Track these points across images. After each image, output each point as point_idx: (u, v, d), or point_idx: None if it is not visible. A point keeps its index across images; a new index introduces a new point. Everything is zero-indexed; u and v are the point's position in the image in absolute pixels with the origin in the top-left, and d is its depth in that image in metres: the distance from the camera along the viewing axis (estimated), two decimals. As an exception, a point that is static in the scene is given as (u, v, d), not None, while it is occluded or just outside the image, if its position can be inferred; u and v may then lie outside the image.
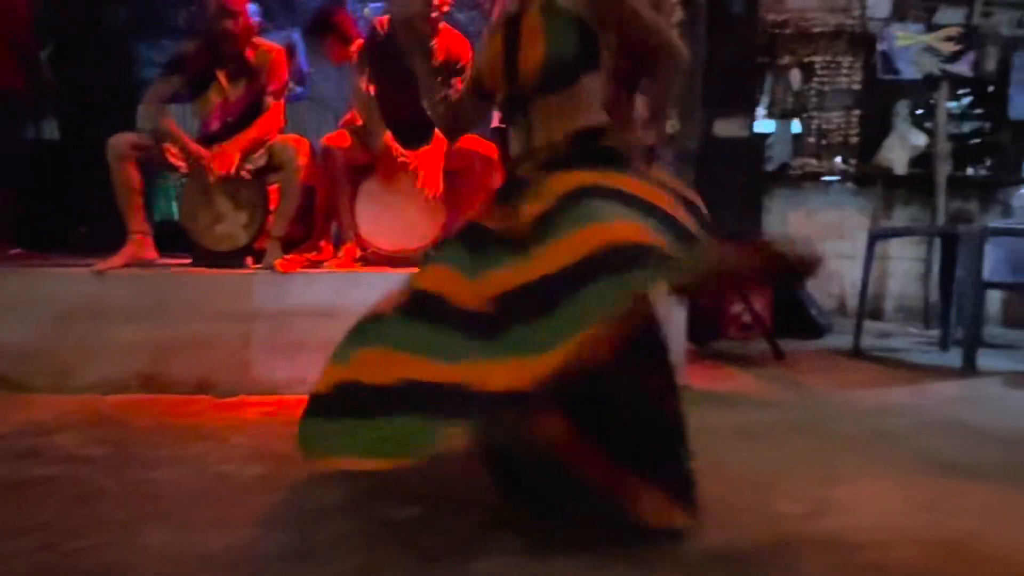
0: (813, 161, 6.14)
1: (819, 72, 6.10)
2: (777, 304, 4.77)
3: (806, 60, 6.10)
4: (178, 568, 1.57)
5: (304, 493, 2.00)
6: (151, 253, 3.43)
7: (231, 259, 3.43)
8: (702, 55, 3.26)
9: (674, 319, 3.24)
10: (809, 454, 2.43)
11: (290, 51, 4.42)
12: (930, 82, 6.00)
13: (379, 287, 3.17)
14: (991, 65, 5.89)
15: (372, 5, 6.38)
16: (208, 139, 3.48)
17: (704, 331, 4.47)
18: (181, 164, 3.43)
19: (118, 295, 3.23)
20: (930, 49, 5.88)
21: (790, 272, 1.66)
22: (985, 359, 4.07)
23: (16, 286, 3.27)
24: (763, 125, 6.11)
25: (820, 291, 5.98)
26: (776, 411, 3.01)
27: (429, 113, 2.17)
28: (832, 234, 6.23)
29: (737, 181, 5.11)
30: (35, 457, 2.28)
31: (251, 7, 4.18)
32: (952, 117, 6.11)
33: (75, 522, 1.79)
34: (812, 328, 5.15)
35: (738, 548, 1.69)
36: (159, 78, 3.50)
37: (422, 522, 1.81)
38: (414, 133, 3.54)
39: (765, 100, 6.14)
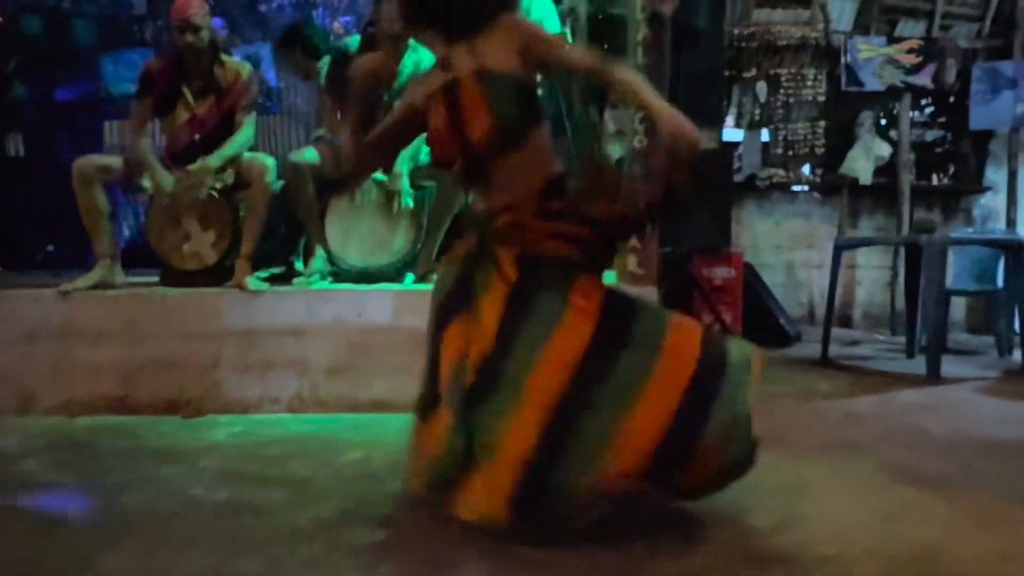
0: (780, 171, 6.23)
1: (785, 84, 6.20)
2: (746, 313, 4.83)
3: (772, 72, 6.20)
4: (144, 598, 1.57)
5: (272, 517, 2.00)
6: (119, 276, 3.40)
7: (199, 278, 3.41)
8: (668, 71, 3.29)
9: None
10: (776, 466, 2.46)
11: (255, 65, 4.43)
12: (893, 93, 6.12)
13: (350, 304, 3.21)
14: (951, 77, 6.02)
15: (343, 19, 6.38)
16: (177, 156, 3.46)
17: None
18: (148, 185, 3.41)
19: (85, 315, 3.19)
20: (892, 61, 5.99)
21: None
22: (949, 366, 4.15)
23: (-21, 307, 3.22)
24: (732, 134, 6.20)
25: (789, 299, 6.06)
26: (745, 423, 3.03)
27: (346, 155, 2.14)
28: (800, 243, 6.32)
29: (706, 192, 5.16)
30: (-1, 485, 2.25)
31: (217, 21, 4.17)
32: (914, 127, 6.23)
33: (35, 553, 1.77)
34: (781, 336, 5.22)
35: (707, 564, 1.72)
36: (135, 102, 3.48)
37: (388, 547, 1.81)
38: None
39: (733, 112, 6.22)
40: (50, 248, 5.13)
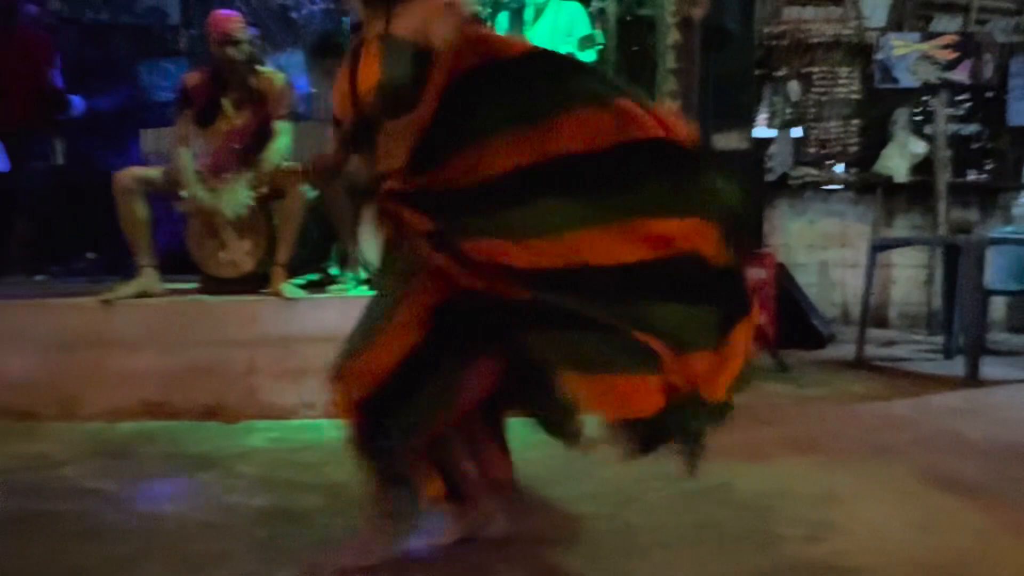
0: (813, 170, 6.16)
1: (817, 82, 6.13)
2: (779, 314, 4.79)
3: (804, 71, 6.13)
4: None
5: (308, 523, 2.03)
6: (159, 285, 3.47)
7: (236, 286, 3.46)
8: (698, 74, 3.27)
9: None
10: (808, 473, 2.45)
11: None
12: (928, 90, 6.02)
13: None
14: (988, 72, 5.90)
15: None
16: (217, 167, 3.51)
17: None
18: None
19: (126, 323, 3.27)
20: (927, 57, 5.89)
21: None
22: (988, 367, 4.08)
23: (22, 315, 3.31)
24: (764, 134, 6.14)
25: (822, 300, 5.99)
26: (778, 428, 3.02)
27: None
28: (834, 242, 6.24)
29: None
30: (40, 492, 2.32)
31: (251, 30, 4.22)
32: (950, 123, 6.12)
33: (75, 560, 1.82)
34: (814, 337, 5.16)
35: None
36: (176, 117, 3.55)
37: (424, 556, 1.84)
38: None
39: (764, 111, 6.17)
40: (90, 256, 5.24)
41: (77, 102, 5.18)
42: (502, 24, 4.25)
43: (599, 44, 3.98)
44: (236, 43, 3.42)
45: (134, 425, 3.12)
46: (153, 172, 3.48)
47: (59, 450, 2.76)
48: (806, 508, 2.12)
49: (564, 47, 4.00)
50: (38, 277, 4.58)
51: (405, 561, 1.79)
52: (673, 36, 3.17)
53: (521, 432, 2.87)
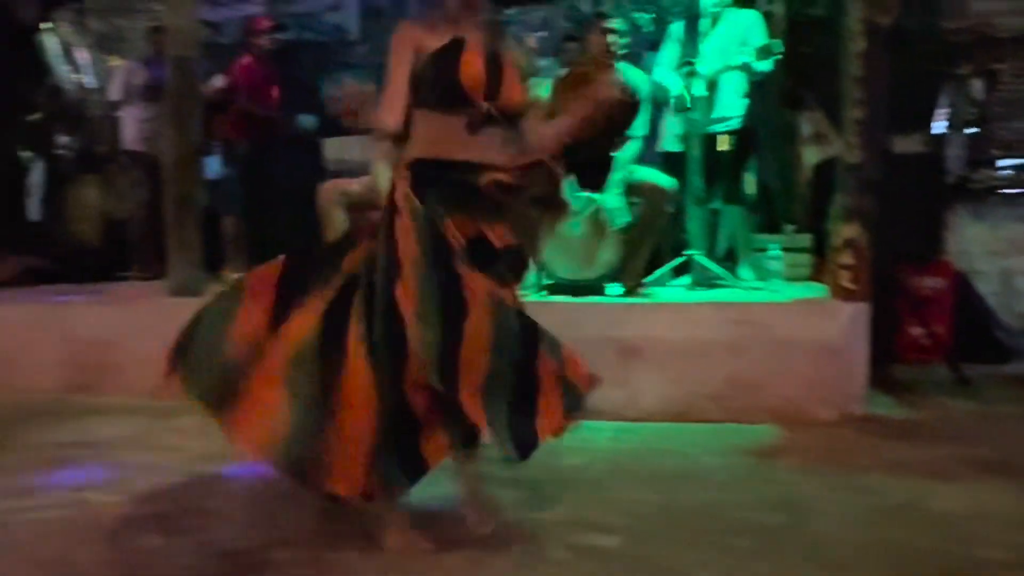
0: (996, 173, 5.80)
1: (1004, 80, 5.76)
2: (959, 325, 4.58)
3: (989, 68, 5.78)
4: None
5: (507, 515, 2.20)
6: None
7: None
8: (885, 82, 3.21)
9: (855, 343, 3.22)
10: (1003, 495, 2.39)
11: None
12: None
13: (562, 316, 3.39)
14: None
15: (536, 34, 6.63)
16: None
17: (880, 354, 4.36)
18: None
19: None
20: None
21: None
22: None
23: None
24: (943, 136, 5.85)
25: (1005, 310, 5.64)
26: (963, 446, 2.93)
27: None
28: (1018, 249, 5.85)
29: (916, 197, 4.94)
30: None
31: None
32: None
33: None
34: (998, 351, 4.89)
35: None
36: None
37: (620, 553, 1.96)
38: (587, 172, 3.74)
39: (944, 112, 5.87)
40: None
41: (304, 119, 5.67)
42: (677, 32, 4.28)
43: (777, 54, 3.94)
44: None
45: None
46: (354, 184, 3.80)
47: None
48: (1005, 531, 2.08)
49: (739, 57, 4.00)
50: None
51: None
52: (860, 44, 3.12)
53: (698, 438, 2.96)
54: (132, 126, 5.55)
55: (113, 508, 2.31)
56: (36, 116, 6.84)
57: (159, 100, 4.98)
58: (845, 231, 3.22)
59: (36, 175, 7.28)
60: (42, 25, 6.56)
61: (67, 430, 3.20)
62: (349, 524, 2.12)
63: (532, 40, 6.68)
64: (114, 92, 5.76)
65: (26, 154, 7.04)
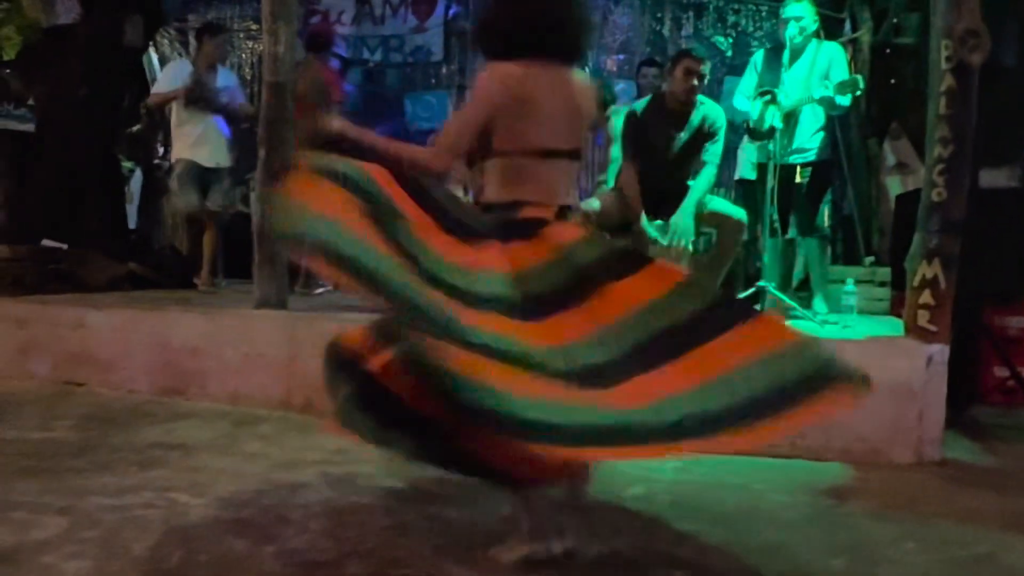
0: (1095, 209, 5.55)
1: (1104, 113, 5.52)
2: (1048, 368, 4.40)
3: (1089, 101, 5.55)
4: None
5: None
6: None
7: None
8: (973, 121, 3.14)
9: (933, 385, 3.15)
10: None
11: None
12: None
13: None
14: None
15: (616, 57, 6.68)
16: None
17: (961, 395, 4.23)
18: None
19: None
20: None
21: None
22: None
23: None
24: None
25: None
26: (1049, 497, 2.84)
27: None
28: (1118, 289, 5.58)
29: (1004, 233, 4.77)
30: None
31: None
32: None
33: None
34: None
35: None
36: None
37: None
38: (663, 200, 3.79)
39: (1037, 146, 5.66)
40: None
41: None
42: (757, 62, 4.29)
43: (860, 90, 3.91)
44: None
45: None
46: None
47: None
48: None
49: (820, 91, 3.98)
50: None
51: None
52: (947, 82, 3.07)
53: (765, 474, 2.94)
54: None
55: (199, 510, 2.45)
56: (137, 128, 7.27)
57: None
58: (925, 270, 3.15)
59: (135, 184, 7.72)
60: (147, 43, 6.97)
61: (157, 432, 3.38)
62: (417, 538, 2.20)
63: (611, 62, 6.75)
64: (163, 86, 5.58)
65: (127, 164, 7.48)
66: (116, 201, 6.80)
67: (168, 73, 5.65)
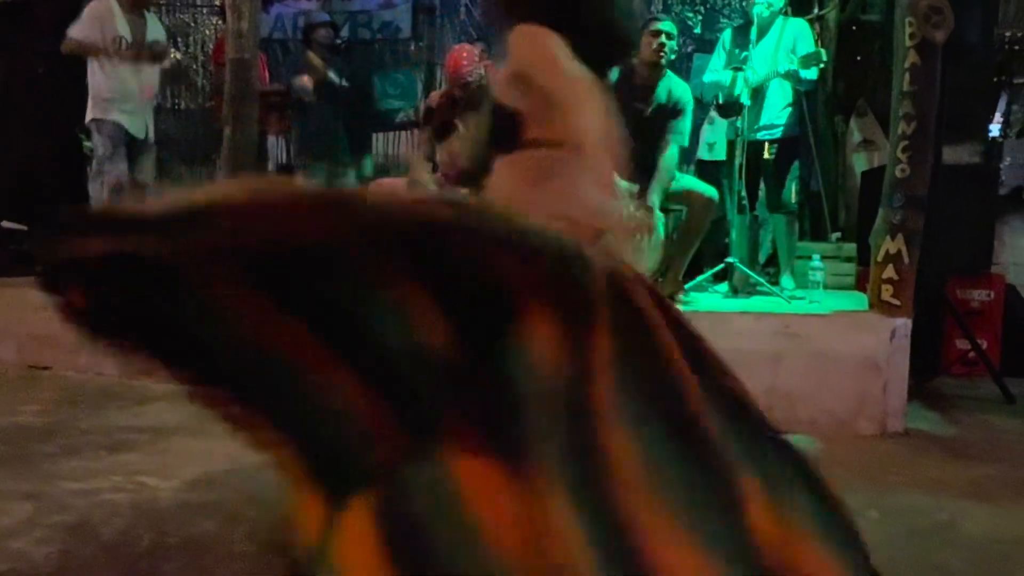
0: (1053, 184, 5.69)
1: (1064, 90, 5.65)
2: (1007, 339, 4.52)
3: (1048, 78, 5.67)
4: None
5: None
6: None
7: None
8: (937, 98, 3.18)
9: (896, 358, 3.21)
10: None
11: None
12: None
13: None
14: None
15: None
16: (449, 177, 3.90)
17: (925, 367, 4.32)
18: None
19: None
20: None
21: None
22: None
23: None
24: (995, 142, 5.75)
25: (1058, 325, 5.52)
26: (1007, 467, 2.91)
27: None
28: (1074, 263, 5.73)
29: (966, 208, 4.85)
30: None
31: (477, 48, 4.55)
32: None
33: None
34: (1048, 368, 4.80)
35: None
36: (421, 132, 4.03)
37: None
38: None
39: (998, 121, 5.77)
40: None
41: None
42: (726, 41, 4.29)
43: (822, 63, 3.94)
44: (465, 85, 3.81)
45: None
46: (400, 182, 3.91)
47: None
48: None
49: (786, 64, 4.00)
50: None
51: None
52: (911, 59, 3.10)
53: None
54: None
55: (168, 493, 2.43)
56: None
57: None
58: (888, 245, 3.20)
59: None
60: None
61: (125, 415, 3.35)
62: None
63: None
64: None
65: (88, 145, 7.31)
66: (77, 182, 6.65)
67: (89, 15, 4.39)
